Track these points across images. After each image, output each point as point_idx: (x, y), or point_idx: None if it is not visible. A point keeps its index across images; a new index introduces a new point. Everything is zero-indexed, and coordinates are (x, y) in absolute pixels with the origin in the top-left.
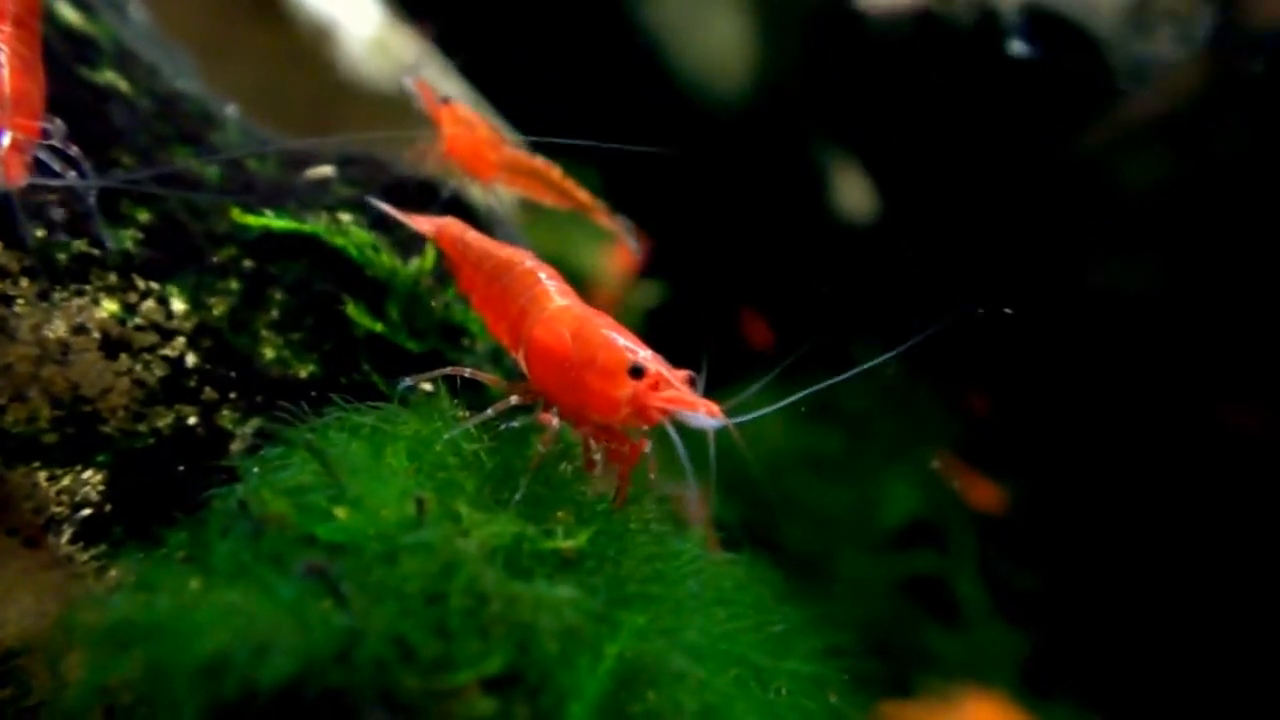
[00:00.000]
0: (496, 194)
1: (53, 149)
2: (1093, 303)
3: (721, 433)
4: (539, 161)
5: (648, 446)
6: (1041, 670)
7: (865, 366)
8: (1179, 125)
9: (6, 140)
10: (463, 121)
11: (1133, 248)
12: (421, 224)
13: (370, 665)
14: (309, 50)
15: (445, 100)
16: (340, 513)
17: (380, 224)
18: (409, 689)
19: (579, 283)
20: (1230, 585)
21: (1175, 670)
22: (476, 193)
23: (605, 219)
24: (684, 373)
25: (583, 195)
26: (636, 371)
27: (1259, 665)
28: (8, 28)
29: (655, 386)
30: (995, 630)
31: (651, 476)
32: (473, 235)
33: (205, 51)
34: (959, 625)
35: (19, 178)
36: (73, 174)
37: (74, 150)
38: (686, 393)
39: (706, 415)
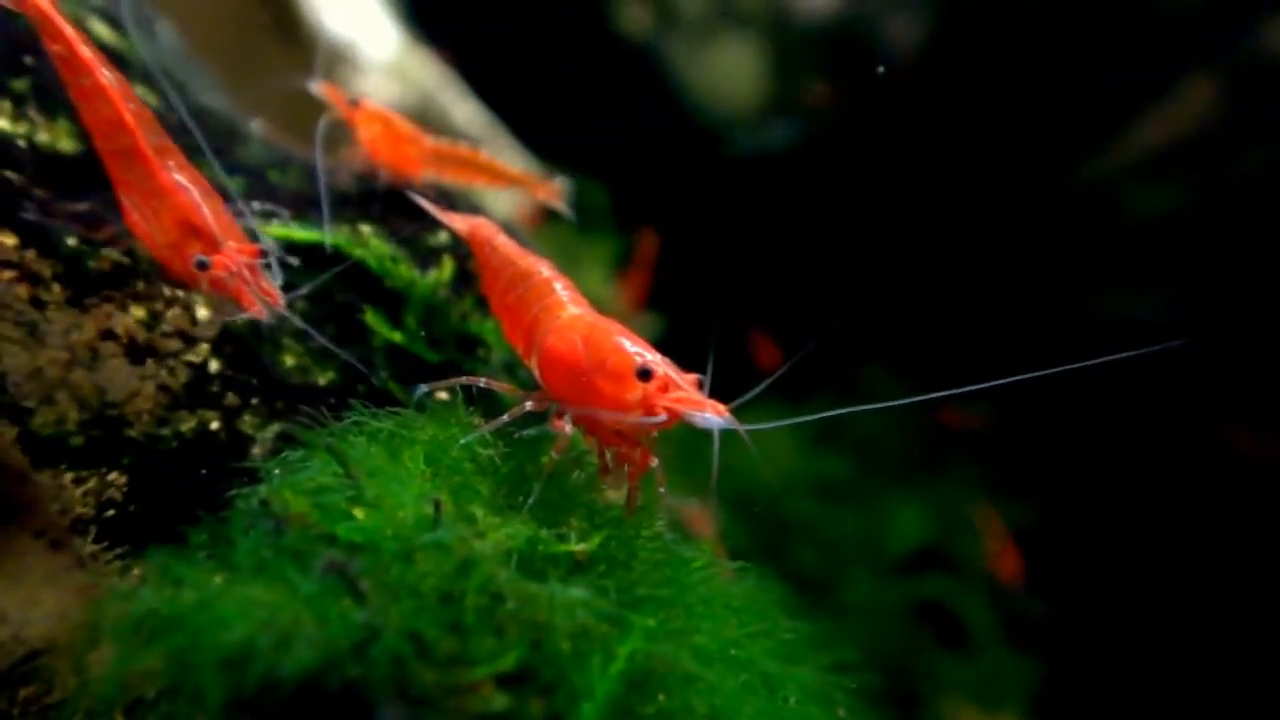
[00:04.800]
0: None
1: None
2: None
3: (730, 454)
4: (463, 147)
5: (655, 461)
6: (1054, 698)
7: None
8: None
9: (250, 275)
10: (377, 120)
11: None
12: (456, 222)
13: (387, 660)
14: (328, 71)
15: (354, 102)
16: (359, 513)
17: (398, 236)
18: (425, 683)
19: None
20: (1243, 614)
21: (1187, 697)
22: (499, 206)
23: (542, 190)
24: (692, 376)
25: (513, 171)
26: (645, 374)
27: (1272, 695)
28: (171, 161)
29: (664, 388)
30: (1005, 657)
31: (661, 490)
32: (501, 240)
33: (229, 70)
34: (969, 651)
35: (280, 300)
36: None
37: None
38: (694, 394)
39: (714, 415)
